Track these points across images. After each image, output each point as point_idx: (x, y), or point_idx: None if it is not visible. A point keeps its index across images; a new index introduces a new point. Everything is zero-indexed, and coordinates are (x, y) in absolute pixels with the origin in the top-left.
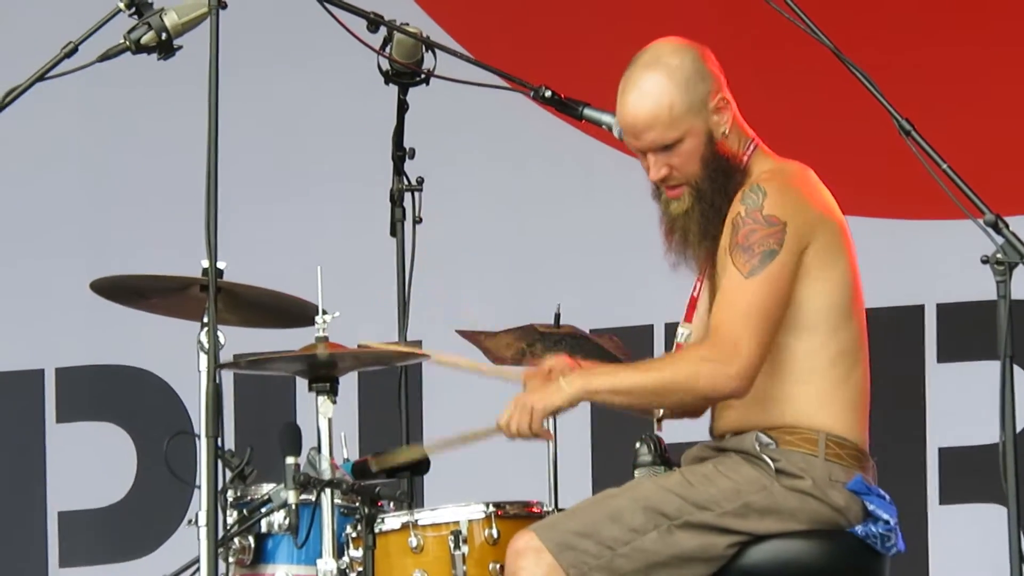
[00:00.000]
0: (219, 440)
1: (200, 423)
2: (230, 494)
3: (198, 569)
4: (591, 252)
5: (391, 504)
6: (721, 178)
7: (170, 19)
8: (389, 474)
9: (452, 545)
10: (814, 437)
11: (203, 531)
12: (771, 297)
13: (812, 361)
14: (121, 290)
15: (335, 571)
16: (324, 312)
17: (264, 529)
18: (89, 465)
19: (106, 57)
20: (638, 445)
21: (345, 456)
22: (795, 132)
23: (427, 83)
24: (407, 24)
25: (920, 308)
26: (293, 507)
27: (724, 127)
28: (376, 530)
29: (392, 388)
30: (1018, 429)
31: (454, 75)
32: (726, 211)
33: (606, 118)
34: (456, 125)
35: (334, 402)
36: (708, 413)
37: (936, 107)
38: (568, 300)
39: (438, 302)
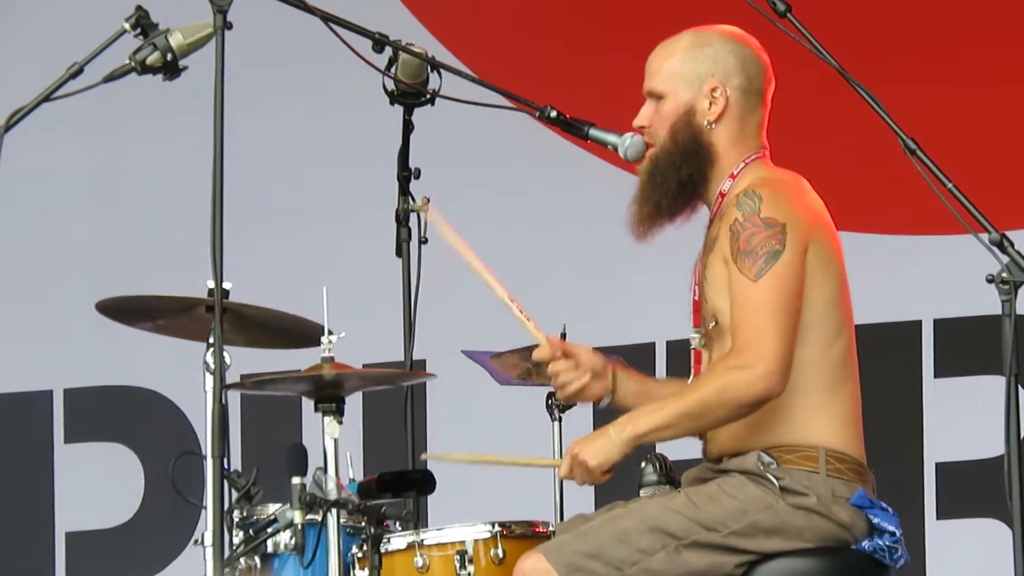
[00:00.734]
0: (225, 460)
1: (207, 443)
2: (236, 514)
3: None
4: (593, 271)
5: (397, 524)
6: (679, 157)
7: (175, 40)
8: (394, 494)
9: (458, 565)
10: (814, 454)
11: (209, 551)
12: (783, 294)
13: (805, 375)
14: (128, 310)
15: None
16: (330, 332)
17: (270, 549)
18: (97, 485)
19: (112, 78)
20: (643, 464)
21: (351, 476)
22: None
23: (432, 103)
24: (412, 44)
25: (918, 324)
26: (299, 527)
27: (710, 116)
28: (382, 550)
29: (395, 408)
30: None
31: (459, 95)
32: (672, 189)
33: (611, 138)
34: (461, 145)
35: (340, 422)
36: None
37: (933, 122)
38: (570, 318)
39: (444, 322)
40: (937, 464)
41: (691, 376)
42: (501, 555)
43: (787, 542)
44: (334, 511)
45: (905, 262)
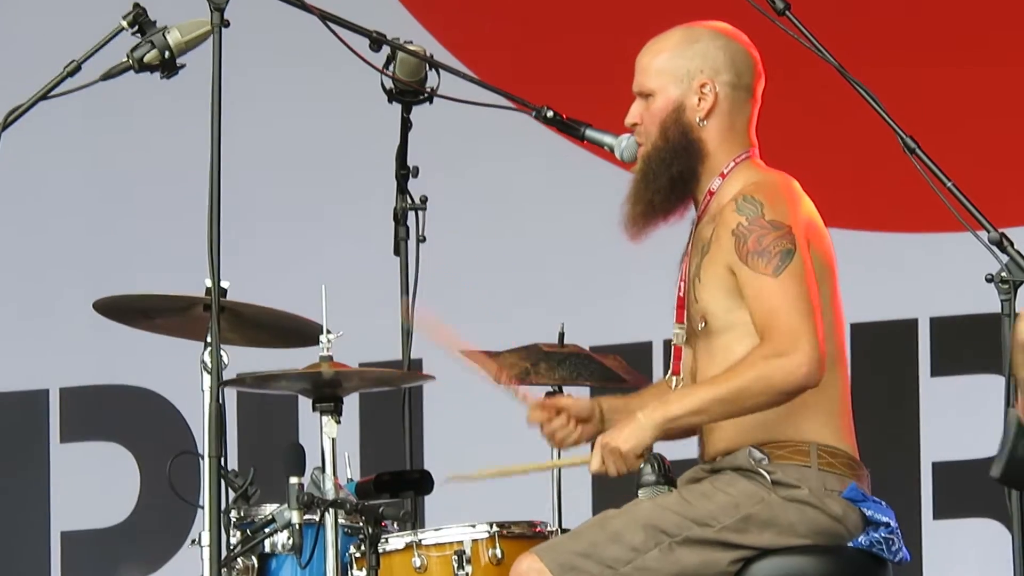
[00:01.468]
0: (222, 460)
1: (204, 443)
2: (233, 514)
3: None
4: (591, 270)
5: (395, 524)
6: (670, 154)
7: (173, 37)
8: (392, 494)
9: (456, 565)
10: (805, 448)
11: (206, 551)
12: (805, 289)
13: None
14: (124, 310)
15: None
16: (328, 331)
17: (268, 549)
18: (93, 485)
19: (109, 76)
20: (642, 464)
21: (348, 476)
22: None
23: (430, 102)
24: (410, 43)
25: (914, 322)
26: (297, 527)
27: (700, 113)
28: (380, 550)
29: (392, 408)
30: None
31: (457, 94)
32: (664, 186)
33: (608, 139)
34: (460, 144)
35: (338, 422)
36: (696, 439)
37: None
38: (567, 318)
39: (441, 321)
40: (934, 463)
41: (668, 372)
42: (499, 555)
43: (780, 536)
44: (332, 511)
45: (901, 260)
